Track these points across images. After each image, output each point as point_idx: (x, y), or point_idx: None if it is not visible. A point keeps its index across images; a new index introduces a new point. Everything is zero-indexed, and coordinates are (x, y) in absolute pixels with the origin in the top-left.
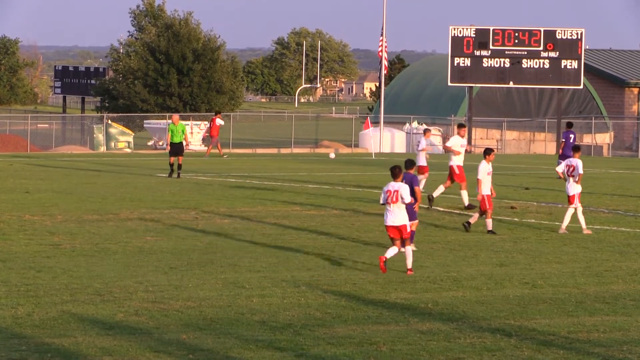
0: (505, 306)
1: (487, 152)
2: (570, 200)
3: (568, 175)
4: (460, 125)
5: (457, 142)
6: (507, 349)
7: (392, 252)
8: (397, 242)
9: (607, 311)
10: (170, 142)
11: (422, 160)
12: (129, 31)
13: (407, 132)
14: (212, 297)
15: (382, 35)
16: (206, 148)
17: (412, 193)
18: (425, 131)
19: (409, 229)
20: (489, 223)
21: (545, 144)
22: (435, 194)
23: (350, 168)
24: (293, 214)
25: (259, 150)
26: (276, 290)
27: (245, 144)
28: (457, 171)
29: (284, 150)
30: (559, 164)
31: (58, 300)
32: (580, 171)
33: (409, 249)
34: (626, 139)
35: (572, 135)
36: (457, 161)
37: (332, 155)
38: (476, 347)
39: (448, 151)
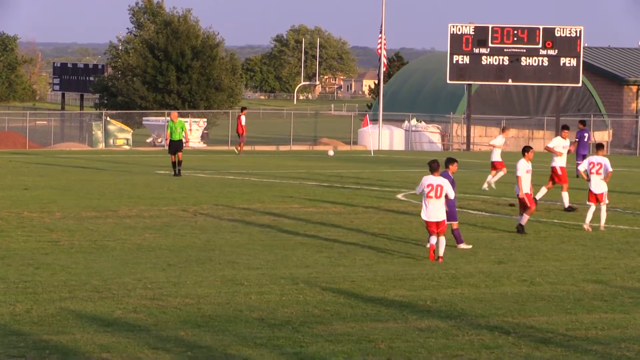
0: (503, 303)
1: (526, 149)
2: (598, 197)
3: (590, 173)
4: (564, 127)
5: (560, 144)
6: (505, 346)
7: (434, 240)
8: (434, 234)
9: (605, 309)
10: (170, 140)
11: (497, 156)
12: (127, 28)
13: (406, 130)
14: (210, 294)
15: (381, 32)
16: (205, 145)
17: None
18: (504, 129)
19: (445, 223)
20: (525, 218)
21: (544, 141)
22: (538, 195)
23: (349, 165)
24: (292, 211)
25: (258, 148)
26: (274, 287)
27: (244, 141)
28: (559, 172)
29: (282, 148)
30: (578, 163)
31: (56, 297)
32: (610, 169)
33: (443, 239)
34: (625, 136)
35: (586, 134)
36: (559, 162)
37: (331, 153)
38: (474, 345)
39: (550, 152)
